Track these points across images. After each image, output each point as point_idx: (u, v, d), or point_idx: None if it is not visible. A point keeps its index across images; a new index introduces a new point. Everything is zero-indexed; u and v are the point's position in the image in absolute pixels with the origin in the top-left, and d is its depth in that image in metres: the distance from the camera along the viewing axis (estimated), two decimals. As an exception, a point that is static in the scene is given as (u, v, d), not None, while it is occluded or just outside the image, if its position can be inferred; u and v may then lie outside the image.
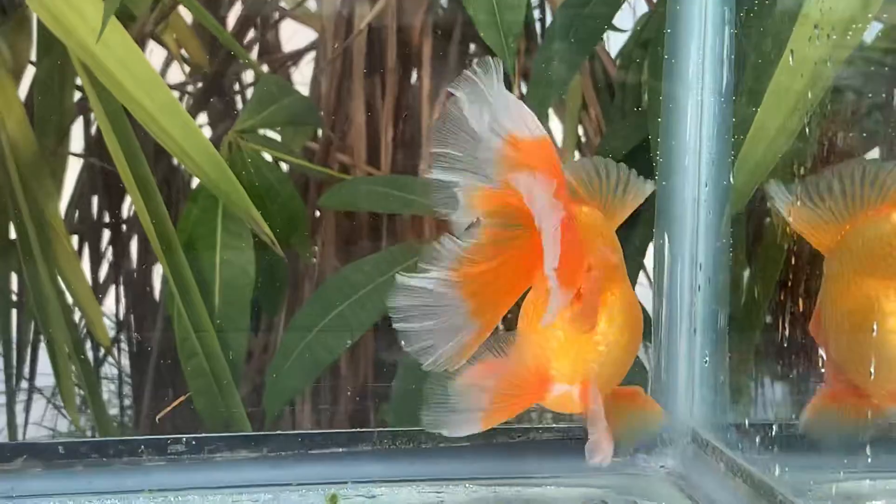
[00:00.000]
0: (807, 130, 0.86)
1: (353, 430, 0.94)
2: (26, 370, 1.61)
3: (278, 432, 0.93)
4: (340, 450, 0.93)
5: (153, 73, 1.22)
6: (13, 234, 1.49)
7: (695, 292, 0.95)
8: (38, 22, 1.53)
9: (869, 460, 0.77)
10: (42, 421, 1.71)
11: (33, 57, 1.52)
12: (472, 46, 1.65)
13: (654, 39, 1.37)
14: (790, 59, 0.84)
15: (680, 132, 0.95)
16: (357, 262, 1.27)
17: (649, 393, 0.92)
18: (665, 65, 0.96)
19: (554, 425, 0.89)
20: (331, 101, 1.58)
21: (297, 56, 1.74)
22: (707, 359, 0.95)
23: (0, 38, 1.47)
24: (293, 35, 1.74)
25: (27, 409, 1.61)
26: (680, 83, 0.94)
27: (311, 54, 1.71)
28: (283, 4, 1.76)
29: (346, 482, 0.91)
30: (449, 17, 1.58)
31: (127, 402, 1.78)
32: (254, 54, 1.75)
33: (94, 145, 1.64)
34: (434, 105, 1.57)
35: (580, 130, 1.66)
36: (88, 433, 1.72)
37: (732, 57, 0.93)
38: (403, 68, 1.57)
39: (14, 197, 1.40)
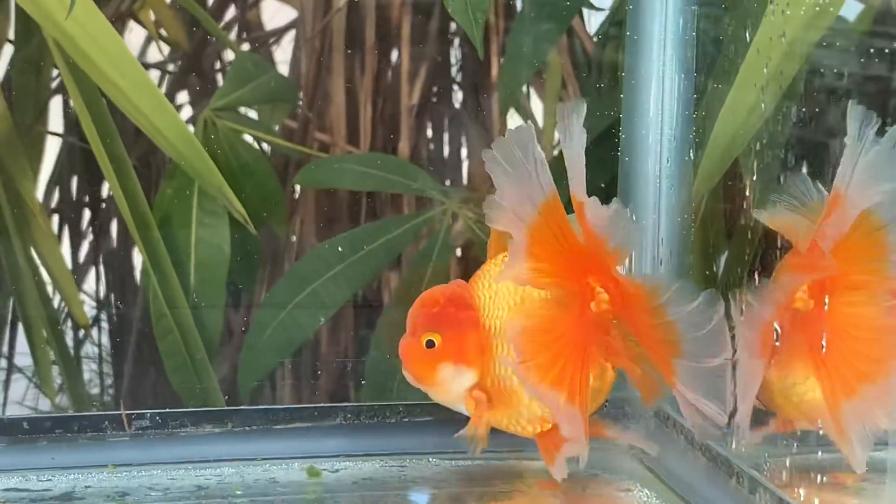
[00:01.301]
0: (779, 110, 0.86)
1: (319, 405, 0.94)
2: (5, 349, 1.61)
3: (244, 407, 0.94)
4: (306, 425, 0.93)
5: (126, 51, 1.22)
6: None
7: (657, 267, 0.96)
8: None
9: (821, 432, 0.78)
10: (23, 400, 1.72)
11: (11, 35, 1.52)
12: (453, 25, 1.65)
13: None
14: (758, 37, 0.84)
15: (642, 108, 0.95)
16: (331, 240, 1.28)
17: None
18: (628, 41, 0.96)
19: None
20: (310, 79, 1.57)
21: (278, 34, 1.73)
22: (670, 334, 0.95)
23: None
24: (275, 14, 1.73)
25: (6, 388, 1.61)
26: (642, 60, 0.95)
27: (292, 32, 1.70)
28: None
29: (311, 457, 0.91)
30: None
31: (108, 381, 1.78)
32: (234, 33, 1.74)
33: (74, 124, 1.64)
34: (413, 83, 1.57)
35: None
36: (69, 412, 1.73)
37: (695, 34, 0.93)
38: (382, 46, 1.56)
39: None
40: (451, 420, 0.89)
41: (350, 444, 0.93)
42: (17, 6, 1.51)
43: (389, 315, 1.24)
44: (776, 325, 0.80)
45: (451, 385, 0.88)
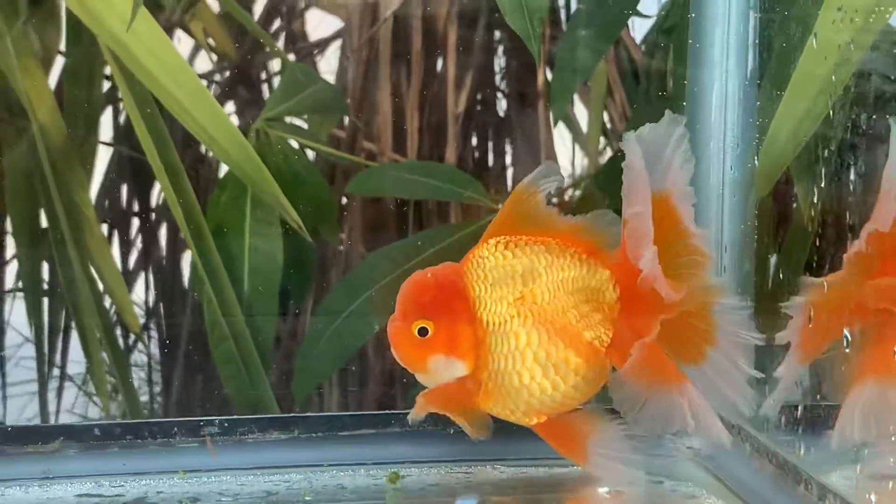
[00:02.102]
0: (832, 114, 0.86)
1: (383, 412, 0.95)
2: (58, 358, 1.63)
3: (308, 414, 0.94)
4: (371, 431, 0.94)
5: (182, 62, 1.23)
6: (44, 223, 1.52)
7: (720, 274, 0.96)
8: (68, 11, 1.55)
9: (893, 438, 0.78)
10: (73, 408, 1.74)
11: (62, 46, 1.54)
12: (497, 34, 1.66)
13: (678, 25, 1.38)
14: (814, 42, 0.85)
15: (704, 117, 0.95)
16: (385, 249, 1.29)
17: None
18: (690, 49, 0.96)
19: (580, 407, 0.89)
20: (357, 89, 1.58)
21: (323, 44, 1.75)
22: (735, 340, 0.95)
23: (30, 27, 1.48)
24: (319, 24, 1.75)
25: (59, 396, 1.63)
26: (705, 68, 0.95)
27: (338, 42, 1.72)
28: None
29: (377, 463, 0.92)
30: (474, 4, 1.58)
31: (157, 388, 1.80)
32: (281, 43, 1.76)
33: (123, 134, 1.66)
34: (459, 92, 1.58)
35: (605, 117, 1.66)
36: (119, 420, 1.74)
37: (757, 41, 0.94)
38: (429, 56, 1.57)
39: (45, 185, 1.42)
40: (514, 429, 0.89)
41: (415, 451, 0.93)
42: (67, 18, 1.54)
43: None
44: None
45: (441, 375, 0.87)
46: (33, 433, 0.90)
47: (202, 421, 0.92)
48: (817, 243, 0.88)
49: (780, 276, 1.04)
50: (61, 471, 0.90)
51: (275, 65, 1.76)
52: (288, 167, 1.40)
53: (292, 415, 0.96)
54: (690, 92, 0.97)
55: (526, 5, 1.05)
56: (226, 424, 0.93)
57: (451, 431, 0.92)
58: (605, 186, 1.37)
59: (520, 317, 0.86)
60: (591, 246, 0.88)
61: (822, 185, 0.90)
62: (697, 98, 0.97)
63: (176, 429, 0.92)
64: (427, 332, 0.86)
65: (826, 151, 0.90)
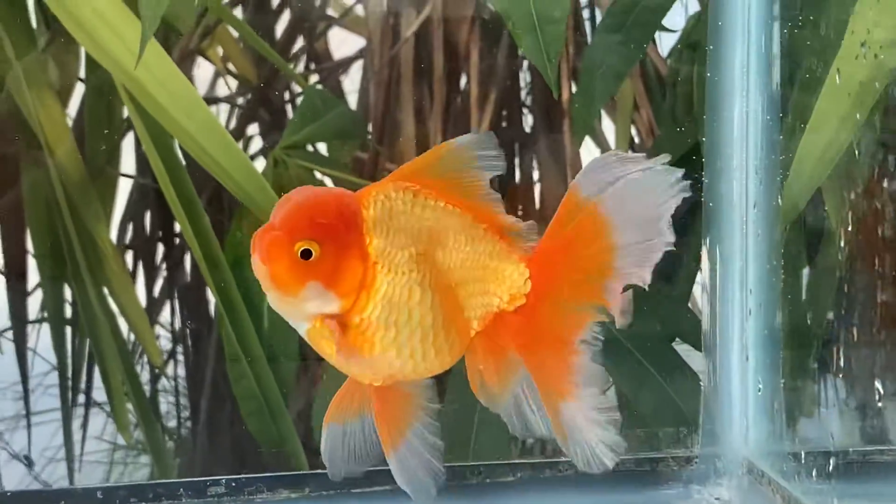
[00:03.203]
0: (856, 150, 0.82)
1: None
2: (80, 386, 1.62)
3: (320, 471, 0.91)
4: (387, 488, 0.91)
5: (193, 94, 1.21)
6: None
7: (746, 318, 0.92)
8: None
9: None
10: (102, 435, 1.73)
11: (82, 74, 1.53)
12: (520, 51, 1.63)
13: (703, 40, 1.34)
14: (837, 77, 0.81)
15: (724, 155, 0.91)
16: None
17: (702, 420, 0.89)
18: (708, 83, 0.92)
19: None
20: (379, 109, 1.56)
21: (345, 64, 1.72)
22: (761, 386, 0.91)
23: (48, 56, 1.47)
24: (342, 43, 1.73)
25: (84, 425, 1.62)
26: (724, 94, 0.91)
27: (360, 61, 1.70)
28: (330, 12, 1.75)
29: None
30: (496, 23, 1.55)
31: (185, 414, 1.79)
32: (303, 63, 1.74)
33: (145, 163, 1.65)
34: (483, 109, 1.55)
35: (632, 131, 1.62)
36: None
37: (778, 77, 0.89)
38: (451, 74, 1.54)
39: (62, 220, 1.41)
40: (534, 480, 0.86)
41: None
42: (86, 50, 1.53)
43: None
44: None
45: (308, 305, 0.78)
46: (32, 498, 0.88)
47: (209, 481, 0.89)
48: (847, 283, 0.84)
49: (808, 320, 1.00)
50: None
51: (297, 86, 1.74)
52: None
53: (303, 472, 0.93)
54: (710, 127, 0.92)
55: (542, 39, 1.01)
56: (233, 484, 0.91)
57: (474, 482, 0.88)
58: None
59: (419, 273, 0.79)
60: (505, 226, 0.81)
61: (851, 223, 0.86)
62: (717, 129, 0.93)
63: (182, 489, 0.89)
64: (311, 254, 0.77)
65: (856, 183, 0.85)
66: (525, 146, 1.62)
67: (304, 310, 0.79)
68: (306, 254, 0.77)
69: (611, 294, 0.76)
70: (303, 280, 0.77)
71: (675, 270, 1.32)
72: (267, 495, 0.91)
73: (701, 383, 0.97)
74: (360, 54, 1.69)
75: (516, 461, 0.86)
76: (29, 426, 1.59)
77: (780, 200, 0.90)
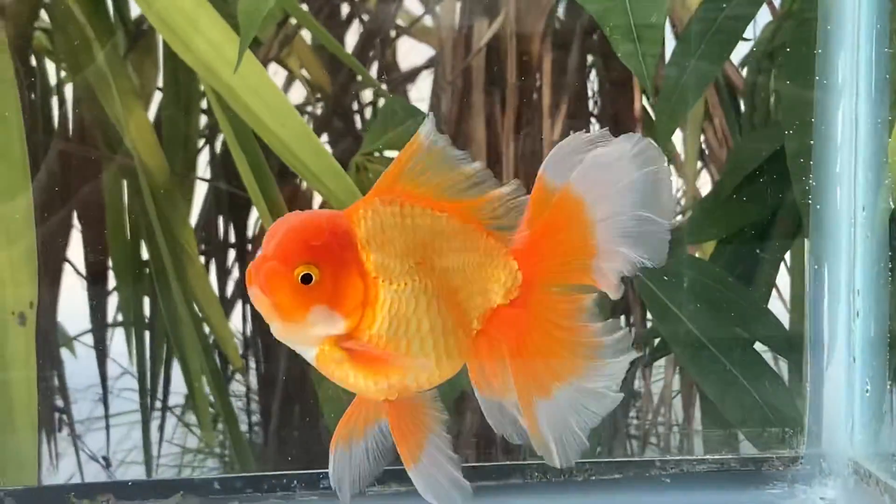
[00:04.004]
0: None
1: (502, 463, 0.93)
2: (154, 389, 1.65)
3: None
4: (490, 483, 0.92)
5: (285, 102, 1.24)
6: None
7: (853, 319, 0.92)
8: (164, 48, 1.57)
9: None
10: (172, 438, 1.75)
11: (159, 83, 1.56)
12: (590, 58, 1.64)
13: (782, 49, 1.35)
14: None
15: (831, 159, 0.92)
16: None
17: (807, 421, 0.90)
18: (817, 86, 0.93)
19: (707, 457, 0.87)
20: (451, 118, 1.58)
21: (414, 73, 1.74)
22: (868, 388, 0.92)
23: (129, 65, 1.50)
24: (409, 52, 1.75)
25: (161, 428, 1.65)
26: (833, 102, 0.92)
27: (427, 70, 1.72)
28: (399, 22, 1.77)
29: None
30: (567, 31, 1.57)
31: (255, 418, 1.81)
32: (373, 72, 1.76)
33: (220, 166, 1.67)
34: (554, 118, 1.56)
35: (702, 140, 1.63)
36: (217, 449, 1.76)
37: (888, 76, 0.90)
38: (523, 83, 1.56)
39: (147, 220, 1.43)
40: (639, 478, 0.87)
41: (539, 503, 0.91)
42: (164, 54, 1.56)
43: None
44: None
45: (316, 330, 0.77)
46: (153, 487, 0.90)
47: (321, 474, 0.91)
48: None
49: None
50: (182, 524, 0.90)
51: (367, 95, 1.76)
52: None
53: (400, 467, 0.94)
54: (818, 131, 0.93)
55: (639, 45, 1.03)
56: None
57: (580, 480, 0.89)
58: (713, 212, 1.34)
59: (420, 282, 0.79)
60: (487, 224, 0.81)
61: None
62: (825, 135, 0.93)
63: (296, 482, 0.91)
64: (311, 279, 0.76)
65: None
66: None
67: (310, 335, 0.78)
68: (307, 278, 0.76)
69: (598, 273, 0.76)
70: (307, 305, 0.76)
71: (755, 274, 1.33)
72: (378, 489, 0.93)
73: (797, 384, 0.98)
74: (430, 63, 1.71)
75: (622, 459, 0.87)
76: (108, 427, 1.62)
77: (890, 203, 0.91)
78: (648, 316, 1.49)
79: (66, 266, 1.57)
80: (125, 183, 1.52)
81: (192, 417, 1.79)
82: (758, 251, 1.33)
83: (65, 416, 1.60)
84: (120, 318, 1.65)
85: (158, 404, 1.66)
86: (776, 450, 0.94)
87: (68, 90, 1.56)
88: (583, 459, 0.92)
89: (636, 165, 0.74)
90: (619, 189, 0.74)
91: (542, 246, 0.79)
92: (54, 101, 1.56)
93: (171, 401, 1.69)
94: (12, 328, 1.19)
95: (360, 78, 1.67)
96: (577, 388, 0.77)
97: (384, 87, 1.70)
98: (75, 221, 1.57)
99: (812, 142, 0.95)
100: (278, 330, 0.78)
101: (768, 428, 1.02)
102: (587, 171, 0.75)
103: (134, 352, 1.63)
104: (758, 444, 1.03)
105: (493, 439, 1.31)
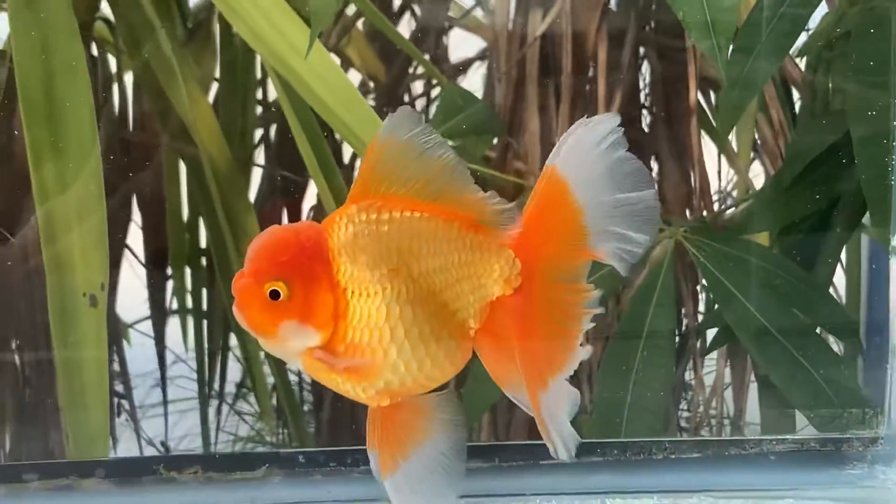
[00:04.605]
0: None
1: (583, 440, 0.93)
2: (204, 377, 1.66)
3: (508, 442, 0.94)
4: (571, 460, 0.93)
5: (353, 90, 1.25)
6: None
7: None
8: (221, 39, 1.59)
9: None
10: (224, 426, 1.77)
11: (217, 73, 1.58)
12: (642, 49, 1.64)
13: (845, 37, 1.35)
14: None
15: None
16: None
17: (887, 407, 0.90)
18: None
19: (787, 437, 0.87)
20: (506, 108, 1.59)
21: (465, 65, 1.75)
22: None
23: (189, 55, 1.52)
24: (460, 43, 1.75)
25: (218, 414, 1.67)
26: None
27: (478, 62, 1.73)
28: (450, 14, 1.78)
29: (579, 493, 0.91)
30: (622, 22, 1.57)
31: (306, 408, 1.82)
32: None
33: (274, 156, 1.69)
34: (609, 109, 1.56)
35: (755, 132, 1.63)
36: (270, 438, 1.77)
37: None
38: (577, 73, 1.56)
39: (211, 208, 1.45)
40: (719, 457, 0.87)
41: (620, 481, 0.92)
42: (221, 45, 1.58)
43: (614, 348, 1.23)
44: None
45: (291, 343, 0.79)
46: (240, 460, 0.91)
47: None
48: None
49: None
50: (267, 498, 0.91)
51: (417, 87, 1.78)
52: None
53: (492, 443, 0.95)
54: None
55: (713, 25, 1.03)
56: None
57: (660, 458, 0.90)
58: (773, 202, 1.35)
59: (393, 290, 0.79)
60: (475, 218, 0.80)
61: None
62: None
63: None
64: (280, 295, 0.77)
65: None
66: (650, 147, 1.63)
67: (288, 348, 0.80)
68: (275, 294, 0.77)
69: (597, 252, 0.77)
70: (276, 321, 0.78)
71: (817, 259, 1.34)
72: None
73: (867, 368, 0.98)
74: (482, 55, 1.72)
75: (704, 438, 0.87)
76: (166, 414, 1.63)
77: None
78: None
79: (123, 254, 1.59)
80: (185, 170, 1.54)
81: (244, 406, 1.81)
82: (818, 239, 1.34)
83: (124, 402, 1.62)
84: (177, 306, 1.67)
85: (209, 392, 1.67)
86: (855, 431, 0.95)
87: (127, 78, 1.58)
88: (661, 439, 0.93)
89: (606, 147, 0.75)
90: (599, 171, 0.75)
91: (535, 233, 0.79)
92: (114, 90, 1.59)
93: (225, 389, 1.71)
94: (83, 310, 1.21)
95: (421, 69, 1.68)
96: (562, 382, 0.77)
97: (443, 76, 1.71)
98: (134, 209, 1.59)
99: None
100: (261, 344, 0.81)
101: (847, 410, 1.03)
102: (569, 153, 0.76)
103: (191, 339, 1.65)
104: (827, 430, 1.04)
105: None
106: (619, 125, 0.76)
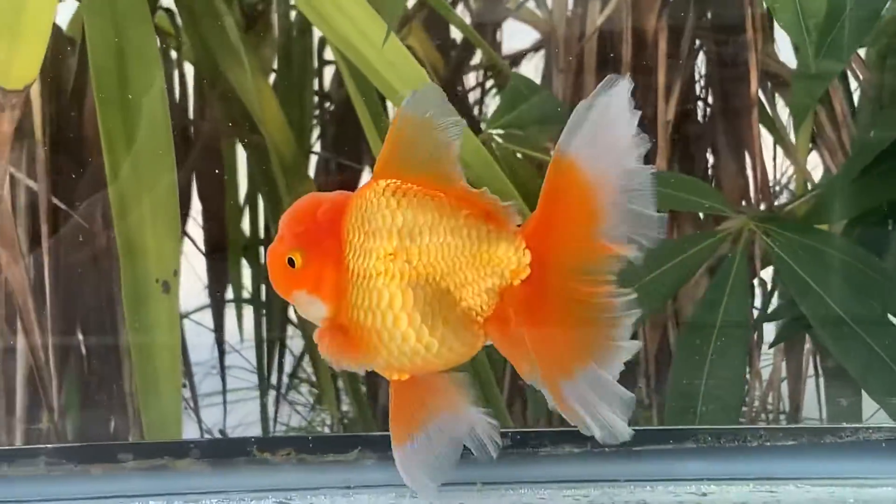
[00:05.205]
0: None
1: (675, 427, 0.93)
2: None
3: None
4: (665, 447, 0.93)
5: (424, 77, 1.25)
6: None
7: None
8: (279, 27, 1.59)
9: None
10: (277, 416, 1.77)
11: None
12: (697, 42, 1.64)
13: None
14: None
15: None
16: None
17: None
18: None
19: (884, 424, 0.87)
20: (564, 100, 1.58)
21: (519, 56, 1.75)
22: None
23: (249, 47, 1.52)
24: (513, 34, 1.75)
25: (276, 405, 1.67)
26: None
27: (531, 53, 1.73)
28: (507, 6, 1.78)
29: (674, 479, 0.91)
30: (680, 13, 1.56)
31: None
32: (478, 55, 1.77)
33: (330, 146, 1.69)
34: (668, 101, 1.56)
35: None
36: (326, 429, 1.77)
37: None
38: (636, 64, 1.56)
39: (276, 196, 1.45)
40: (815, 445, 0.87)
41: (715, 468, 0.91)
42: (279, 37, 1.58)
43: (687, 337, 1.22)
44: None
45: (307, 310, 0.83)
46: (333, 443, 0.91)
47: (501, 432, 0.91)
48: None
49: None
50: (360, 481, 0.91)
51: (470, 79, 1.78)
52: (513, 177, 1.40)
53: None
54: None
55: (802, 13, 1.03)
56: (518, 437, 0.93)
57: (755, 445, 0.89)
58: (842, 193, 1.34)
59: (387, 275, 0.79)
60: (490, 206, 0.81)
61: None
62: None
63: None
64: (294, 264, 0.81)
65: None
66: (709, 139, 1.62)
67: (309, 314, 0.83)
68: (291, 262, 0.81)
69: (611, 239, 0.75)
70: (290, 288, 0.82)
71: (887, 250, 1.33)
72: (549, 449, 0.93)
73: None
74: (539, 45, 1.72)
75: (800, 426, 0.87)
76: (224, 403, 1.64)
77: None
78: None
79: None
80: (246, 159, 1.55)
81: (297, 396, 1.81)
82: (889, 230, 1.33)
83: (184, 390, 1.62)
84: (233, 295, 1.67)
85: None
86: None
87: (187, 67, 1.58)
88: (756, 426, 0.92)
89: (624, 120, 0.74)
90: (608, 144, 0.74)
91: (550, 221, 0.78)
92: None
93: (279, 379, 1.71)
94: (157, 296, 1.21)
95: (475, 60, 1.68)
96: (594, 371, 0.76)
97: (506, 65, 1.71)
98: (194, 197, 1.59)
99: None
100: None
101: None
102: (576, 134, 0.75)
103: (245, 329, 1.65)
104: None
105: (663, 404, 1.32)
106: (629, 102, 0.75)
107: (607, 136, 0.75)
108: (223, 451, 0.91)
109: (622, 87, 0.75)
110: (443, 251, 0.79)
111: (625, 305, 0.75)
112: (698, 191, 1.31)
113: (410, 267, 0.79)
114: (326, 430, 1.78)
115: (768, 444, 0.92)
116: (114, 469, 0.90)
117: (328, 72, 1.69)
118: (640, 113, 0.75)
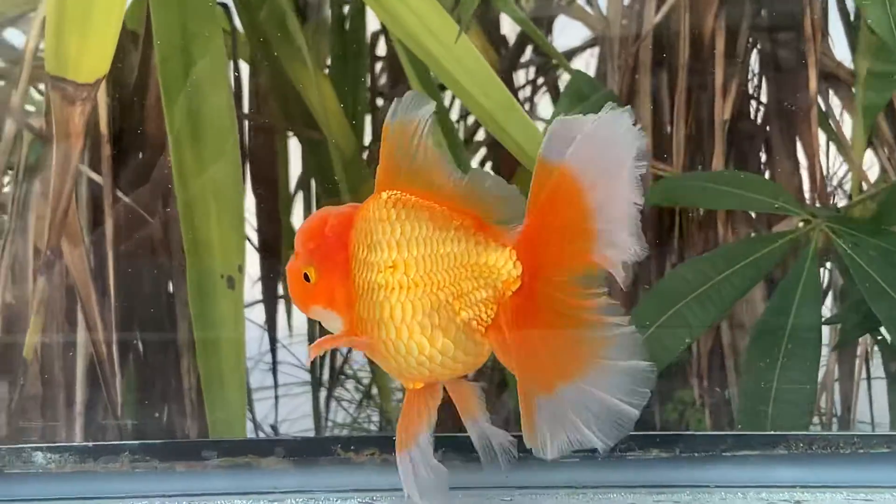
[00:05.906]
0: None
1: (768, 433, 0.92)
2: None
3: (690, 432, 0.92)
4: (755, 453, 0.91)
5: (490, 73, 1.24)
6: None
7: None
8: (333, 24, 1.58)
9: None
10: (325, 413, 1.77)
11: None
12: (751, 40, 1.62)
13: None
14: None
15: None
16: (693, 259, 1.26)
17: None
18: None
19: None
20: (621, 97, 1.57)
21: (570, 54, 1.74)
22: None
23: (304, 42, 1.51)
24: (562, 30, 1.74)
25: (328, 401, 1.66)
26: None
27: (583, 50, 1.72)
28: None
29: (764, 486, 0.89)
30: (737, 12, 1.55)
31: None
32: (528, 52, 1.76)
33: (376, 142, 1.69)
34: (725, 99, 1.54)
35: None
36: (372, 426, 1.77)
37: None
38: (692, 63, 1.54)
39: (335, 193, 1.45)
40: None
41: (805, 475, 0.90)
42: (332, 31, 1.57)
43: (757, 341, 1.21)
44: None
45: (326, 324, 0.84)
46: (363, 441, 0.91)
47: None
48: None
49: None
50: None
51: (520, 77, 1.77)
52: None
53: (674, 432, 0.94)
54: None
55: (891, 11, 1.01)
56: (607, 441, 0.92)
57: (847, 452, 0.88)
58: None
59: (387, 287, 0.79)
60: (483, 216, 0.80)
61: None
62: None
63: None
64: (309, 279, 0.82)
65: None
66: (763, 138, 1.61)
67: (330, 327, 0.84)
68: (307, 278, 0.82)
69: (601, 258, 0.74)
70: (308, 303, 0.83)
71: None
72: (638, 453, 0.92)
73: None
74: (592, 42, 1.71)
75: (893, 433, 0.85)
76: (276, 398, 1.63)
77: None
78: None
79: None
80: (304, 154, 1.54)
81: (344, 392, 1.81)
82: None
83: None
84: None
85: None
86: None
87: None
88: (851, 432, 0.91)
89: (629, 142, 0.73)
90: (617, 171, 0.73)
91: (541, 233, 0.77)
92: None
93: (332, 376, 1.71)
94: (222, 291, 1.21)
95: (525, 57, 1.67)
96: (580, 389, 0.74)
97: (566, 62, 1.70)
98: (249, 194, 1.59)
99: None
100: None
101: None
102: (581, 151, 0.74)
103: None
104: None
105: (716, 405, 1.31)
106: (633, 123, 0.74)
107: (608, 152, 0.74)
108: (308, 450, 0.90)
109: (627, 110, 0.75)
110: (438, 262, 0.80)
111: (616, 323, 0.75)
112: (767, 190, 1.30)
113: (409, 279, 0.80)
114: (373, 427, 1.77)
115: (861, 451, 0.90)
116: (198, 467, 0.90)
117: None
118: (645, 137, 0.74)
